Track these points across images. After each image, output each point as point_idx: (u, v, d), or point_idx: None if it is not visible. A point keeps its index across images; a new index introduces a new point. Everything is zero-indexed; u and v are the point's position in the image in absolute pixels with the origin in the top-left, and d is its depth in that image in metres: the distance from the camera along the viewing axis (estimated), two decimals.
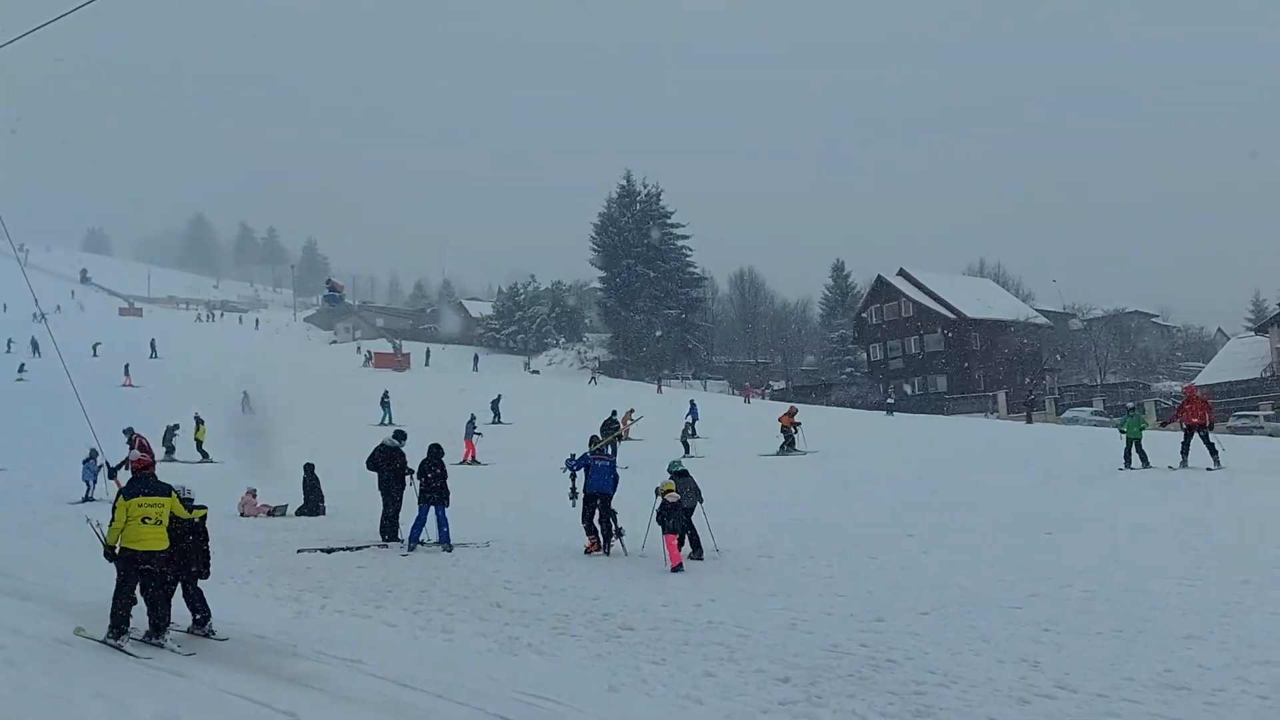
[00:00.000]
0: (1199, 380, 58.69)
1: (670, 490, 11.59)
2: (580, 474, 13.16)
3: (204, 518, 8.20)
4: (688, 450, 28.25)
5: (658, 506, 11.56)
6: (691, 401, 37.88)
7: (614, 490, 12.90)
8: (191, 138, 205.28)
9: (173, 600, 7.72)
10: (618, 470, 13.38)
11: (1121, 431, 19.95)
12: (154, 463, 8.84)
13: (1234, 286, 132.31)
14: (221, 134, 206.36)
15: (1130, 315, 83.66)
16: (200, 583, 8.06)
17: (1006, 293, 78.46)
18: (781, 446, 27.57)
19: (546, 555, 12.37)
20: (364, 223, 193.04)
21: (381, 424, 32.80)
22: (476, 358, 72.35)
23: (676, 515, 11.42)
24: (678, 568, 10.98)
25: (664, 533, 11.33)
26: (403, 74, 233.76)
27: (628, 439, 32.91)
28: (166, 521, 7.58)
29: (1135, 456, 19.08)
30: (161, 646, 7.34)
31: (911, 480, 20.23)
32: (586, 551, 12.50)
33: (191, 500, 8.14)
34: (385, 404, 36.83)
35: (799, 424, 28.28)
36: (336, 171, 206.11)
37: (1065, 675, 6.29)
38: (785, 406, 35.14)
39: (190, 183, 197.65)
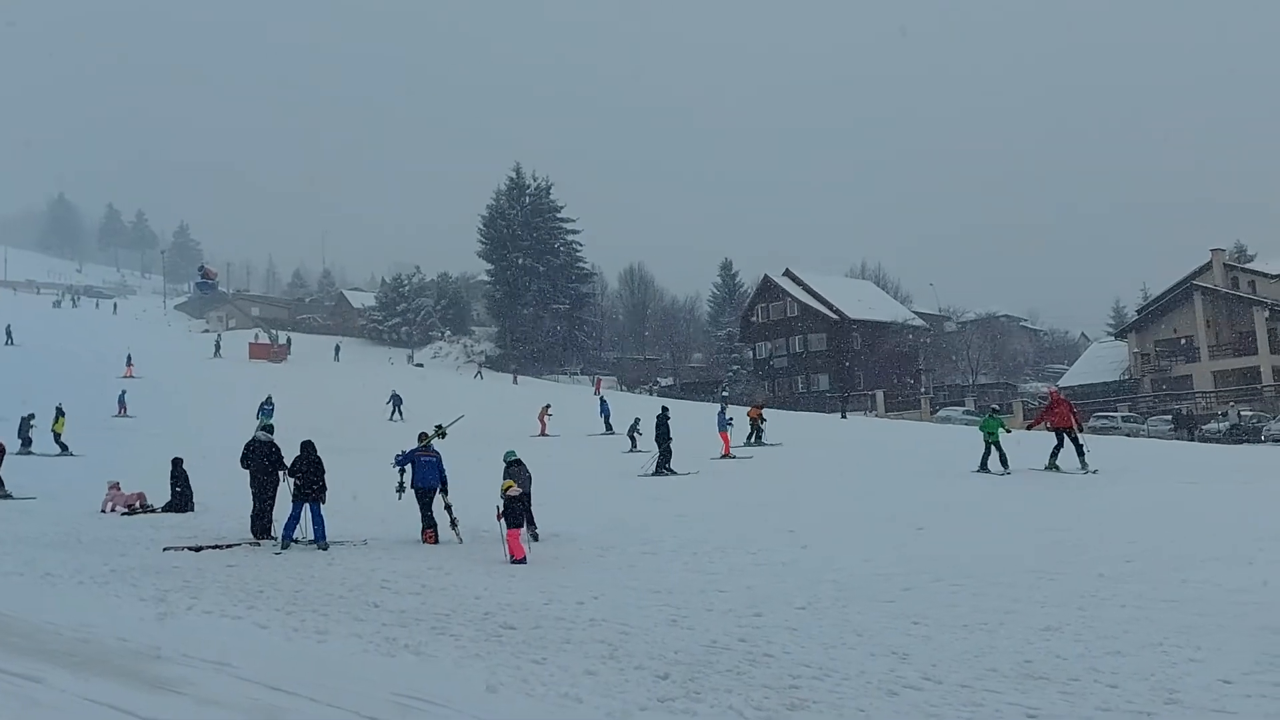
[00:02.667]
0: (1063, 382, 61.82)
1: (510, 487, 11.93)
2: (409, 468, 13.59)
3: None
4: (634, 444, 28.46)
5: (502, 505, 11.80)
6: (602, 399, 38.12)
7: (438, 484, 13.43)
8: (53, 111, 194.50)
9: None
10: (443, 467, 13.79)
11: (986, 432, 19.51)
12: None
13: (1097, 293, 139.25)
14: (86, 108, 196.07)
15: (1000, 319, 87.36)
16: None
17: (886, 294, 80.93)
18: (748, 438, 27.84)
19: (428, 553, 12.20)
20: (241, 208, 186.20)
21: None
22: (338, 348, 70.33)
23: (518, 509, 11.81)
24: (521, 560, 11.31)
25: (508, 527, 11.60)
26: (283, 51, 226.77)
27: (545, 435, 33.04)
28: None
29: (996, 460, 18.86)
30: None
31: (796, 478, 20.68)
32: (424, 540, 13.04)
33: None
34: (265, 409, 32.13)
35: (764, 417, 28.91)
36: (212, 154, 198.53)
37: (932, 667, 6.51)
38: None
39: (52, 159, 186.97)
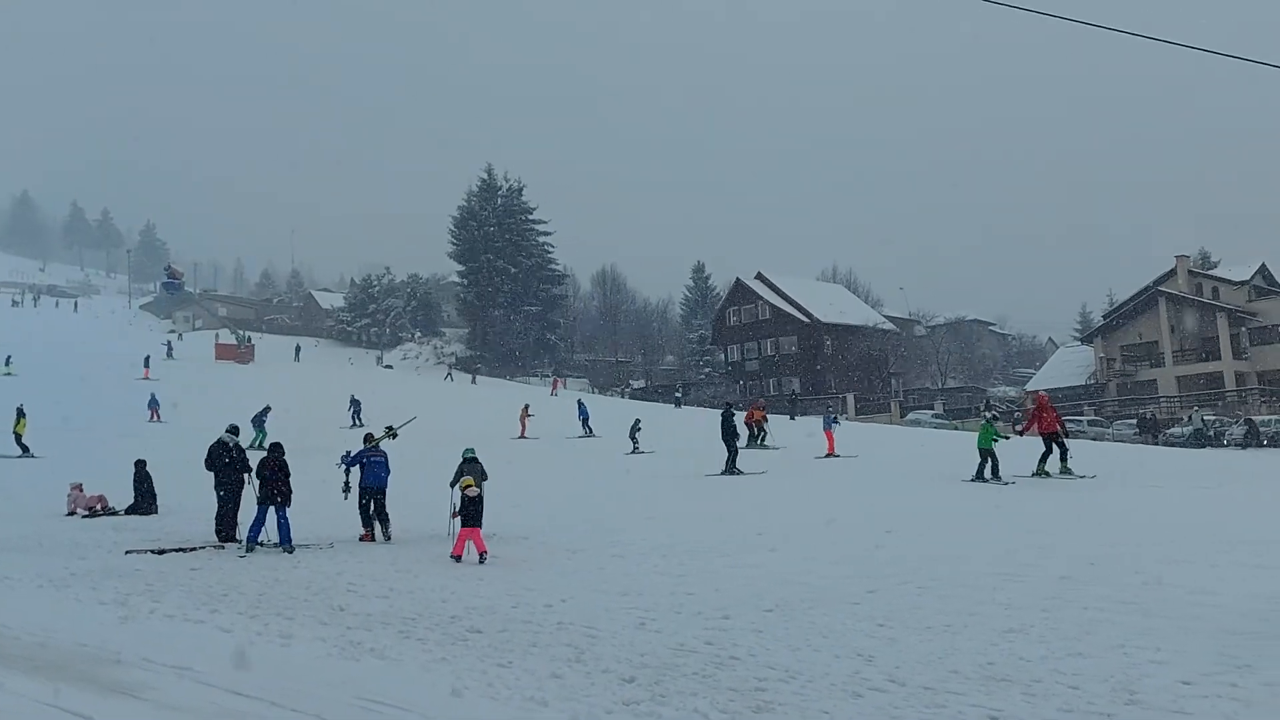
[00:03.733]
0: (1031, 386, 62.50)
1: (470, 485, 12.10)
2: (355, 469, 13.90)
3: None
4: (636, 445, 28.70)
5: (458, 503, 12.00)
6: (580, 401, 37.95)
7: (386, 483, 13.79)
8: (18, 108, 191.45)
9: None
10: (390, 466, 14.20)
11: (986, 438, 18.62)
12: None
13: (1064, 298, 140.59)
14: (52, 106, 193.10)
15: (970, 323, 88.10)
16: None
17: (857, 298, 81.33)
18: (756, 440, 27.88)
19: (395, 556, 12.12)
20: (209, 208, 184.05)
21: (253, 446, 25.34)
22: (298, 348, 69.76)
23: (477, 508, 11.86)
24: (457, 558, 11.54)
25: (462, 525, 11.74)
26: (252, 50, 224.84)
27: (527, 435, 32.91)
28: None
29: (987, 468, 18.17)
30: None
31: (759, 482, 20.74)
32: (361, 540, 13.33)
33: None
34: (259, 421, 28.90)
35: (767, 418, 28.97)
36: (180, 152, 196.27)
37: (896, 669, 6.54)
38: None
39: (16, 157, 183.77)
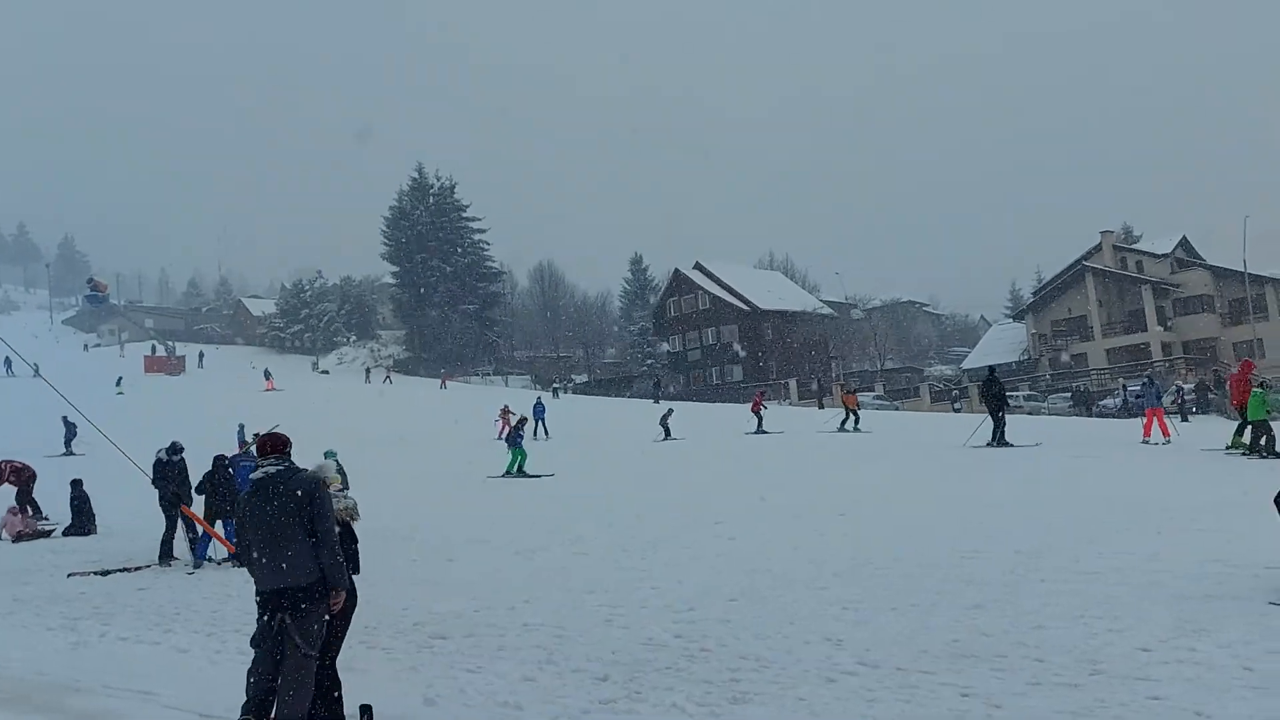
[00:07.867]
0: (967, 364, 63.66)
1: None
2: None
3: None
4: (668, 433, 29.42)
5: None
6: (539, 399, 37.41)
7: None
8: None
9: None
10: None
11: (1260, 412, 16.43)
12: None
13: (994, 277, 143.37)
14: None
15: (904, 305, 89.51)
16: None
17: (795, 285, 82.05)
18: (853, 425, 29.17)
19: None
20: (129, 217, 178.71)
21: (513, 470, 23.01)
22: (202, 354, 68.67)
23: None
24: None
25: None
26: (165, 47, 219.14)
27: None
28: None
29: (1263, 441, 16.19)
30: None
31: (697, 467, 20.83)
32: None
33: None
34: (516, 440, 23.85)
35: (860, 403, 30.34)
36: (96, 160, 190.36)
37: (866, 651, 6.60)
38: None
39: None
